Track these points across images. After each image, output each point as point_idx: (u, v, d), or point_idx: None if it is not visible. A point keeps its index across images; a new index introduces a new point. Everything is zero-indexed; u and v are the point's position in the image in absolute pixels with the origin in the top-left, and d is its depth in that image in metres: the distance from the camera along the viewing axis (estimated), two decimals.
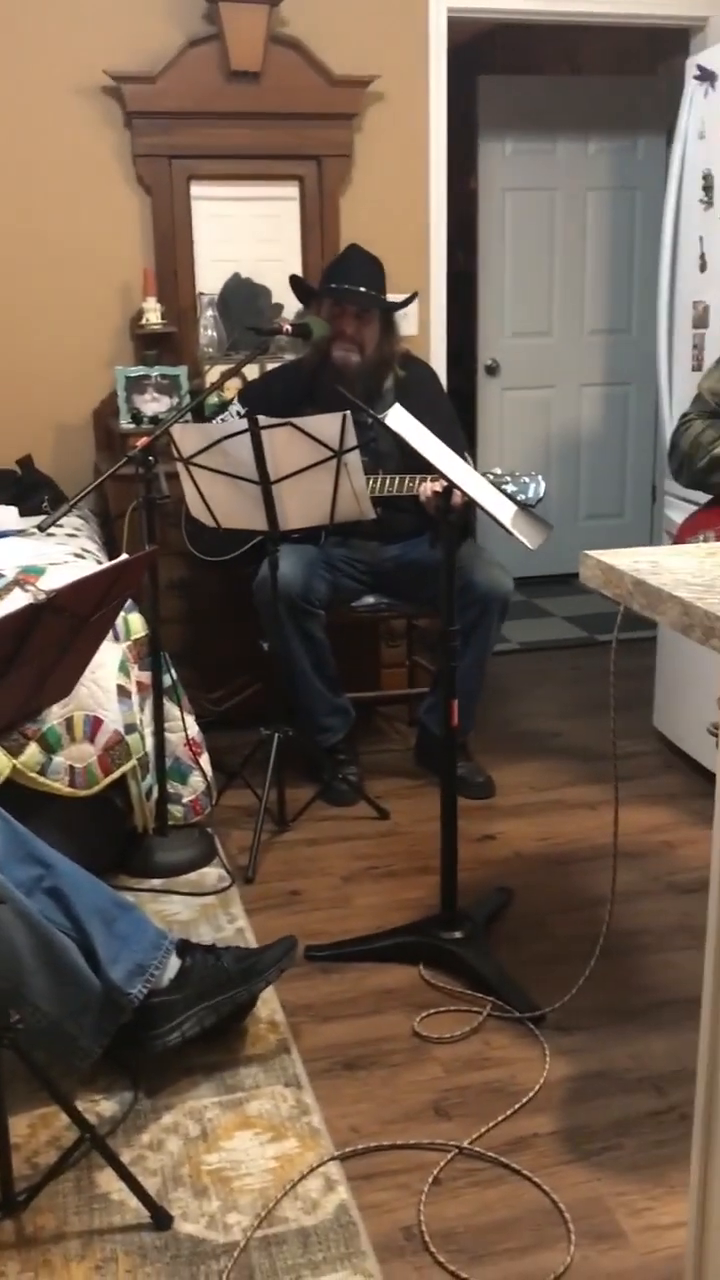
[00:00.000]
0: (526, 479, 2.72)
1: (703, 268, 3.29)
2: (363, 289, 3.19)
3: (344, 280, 3.21)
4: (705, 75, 3.22)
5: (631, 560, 1.44)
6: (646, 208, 5.18)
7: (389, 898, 2.77)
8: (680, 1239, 1.70)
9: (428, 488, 2.79)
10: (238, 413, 3.30)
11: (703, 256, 3.29)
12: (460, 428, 3.40)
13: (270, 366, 3.67)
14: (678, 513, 3.17)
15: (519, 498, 2.69)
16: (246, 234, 3.97)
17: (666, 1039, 2.22)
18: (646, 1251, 1.73)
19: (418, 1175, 1.89)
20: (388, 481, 3.07)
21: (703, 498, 2.65)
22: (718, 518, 2.45)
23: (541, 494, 2.71)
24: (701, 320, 3.32)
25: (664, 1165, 1.90)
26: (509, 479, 2.72)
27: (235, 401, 3.42)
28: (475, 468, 2.53)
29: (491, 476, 2.75)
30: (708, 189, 3.24)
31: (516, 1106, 2.04)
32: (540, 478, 2.74)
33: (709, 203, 3.24)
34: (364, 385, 3.21)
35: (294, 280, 3.40)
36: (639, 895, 2.76)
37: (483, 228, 5.24)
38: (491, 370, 5.34)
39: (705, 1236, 1.45)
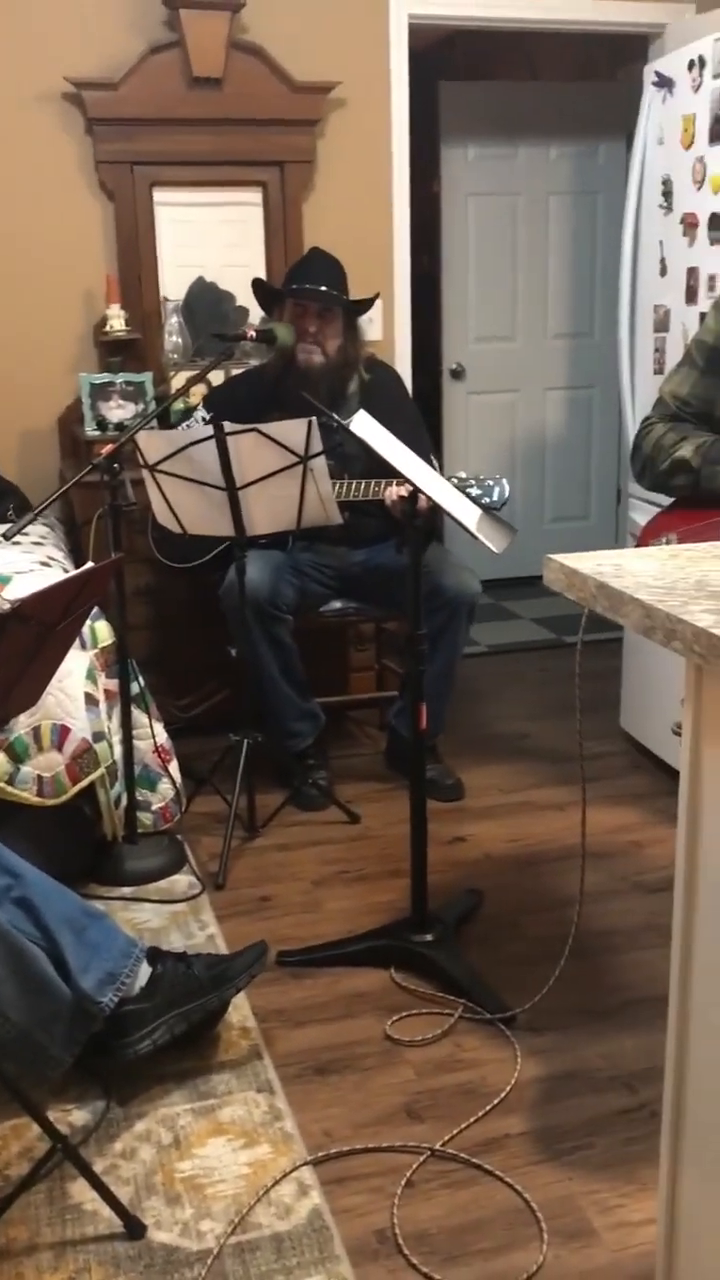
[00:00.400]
0: (490, 482, 2.73)
1: (663, 272, 3.32)
2: (324, 288, 3.21)
3: (305, 280, 3.23)
4: (663, 82, 3.25)
5: (594, 564, 1.46)
6: (608, 212, 5.22)
7: (360, 901, 2.78)
8: (651, 1235, 1.71)
9: (393, 491, 2.80)
10: (203, 418, 3.30)
11: (663, 261, 3.32)
12: (426, 431, 3.41)
13: (235, 372, 3.67)
14: (642, 515, 3.19)
15: (483, 501, 2.71)
16: (211, 239, 3.97)
17: (637, 1037, 2.24)
18: (618, 1249, 1.75)
19: (390, 1178, 1.90)
20: (354, 486, 3.08)
21: (665, 500, 2.68)
22: (680, 520, 2.47)
23: (506, 497, 2.72)
24: (662, 324, 3.35)
25: (635, 1163, 1.92)
26: (473, 482, 2.73)
27: (200, 407, 3.42)
28: (441, 472, 2.54)
29: (456, 480, 2.76)
30: (667, 194, 3.27)
31: (488, 1108, 2.05)
32: (504, 481, 2.75)
33: (668, 208, 3.27)
34: (328, 388, 3.22)
35: (256, 284, 3.41)
36: (608, 895, 2.78)
37: (446, 232, 5.26)
38: (456, 374, 5.37)
39: (675, 1232, 1.46)
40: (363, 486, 3.07)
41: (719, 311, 2.31)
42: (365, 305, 3.31)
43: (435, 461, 3.11)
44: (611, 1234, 1.77)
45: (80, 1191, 1.83)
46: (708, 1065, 1.37)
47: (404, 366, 4.20)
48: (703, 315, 3.08)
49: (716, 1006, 1.34)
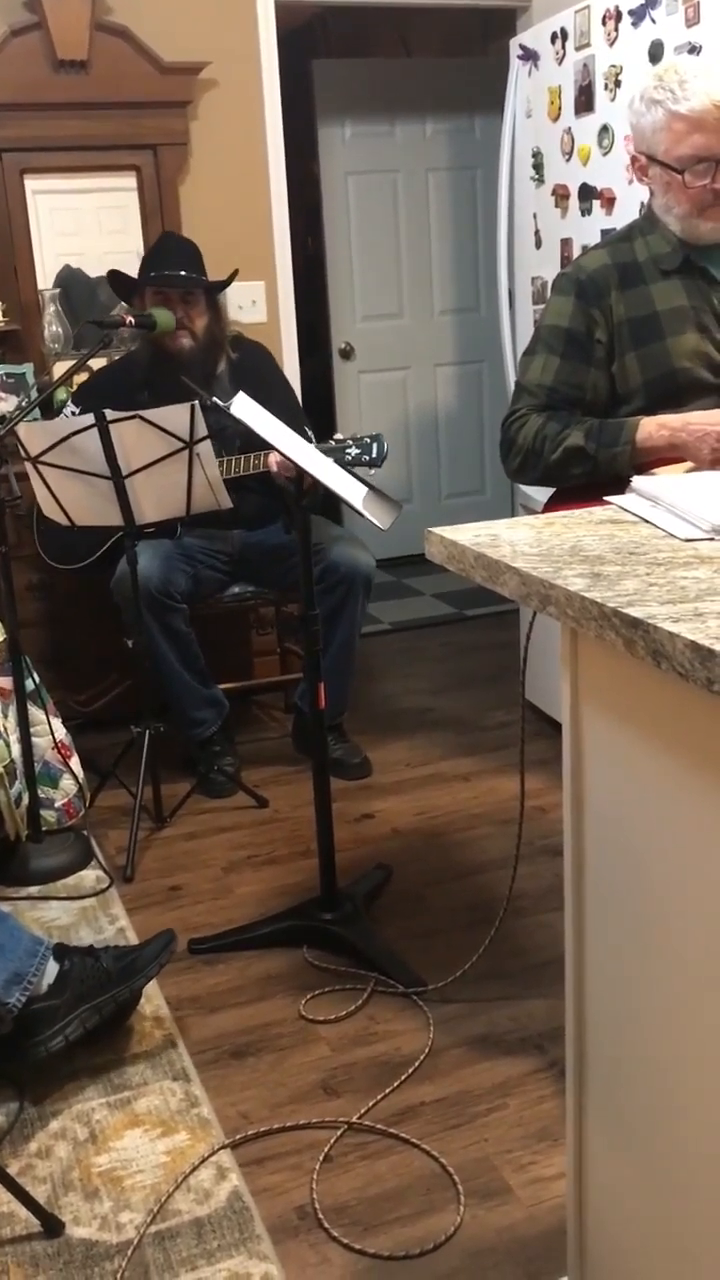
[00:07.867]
0: (368, 438, 2.76)
1: (538, 244, 3.36)
2: (183, 272, 3.17)
3: (163, 267, 3.19)
4: (528, 55, 3.28)
5: (472, 535, 1.47)
6: (486, 186, 5.25)
7: (270, 885, 2.78)
8: (564, 1188, 1.75)
9: (275, 459, 2.80)
10: (72, 413, 3.25)
11: (537, 233, 3.35)
12: (298, 402, 3.39)
13: (115, 358, 3.61)
14: (531, 488, 3.23)
15: (364, 458, 2.73)
16: (91, 226, 3.90)
17: (546, 999, 2.28)
18: (533, 1204, 1.78)
19: (309, 1155, 1.91)
20: (234, 463, 3.07)
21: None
22: (572, 508, 2.44)
23: (385, 452, 2.75)
24: (540, 296, 3.38)
25: (547, 1120, 1.96)
26: (351, 442, 2.75)
27: (69, 402, 3.36)
28: (317, 442, 2.56)
29: (334, 443, 2.77)
30: (538, 166, 3.31)
31: (403, 1078, 2.07)
32: (381, 436, 2.78)
33: (540, 180, 3.31)
34: (200, 370, 3.19)
35: (112, 275, 3.29)
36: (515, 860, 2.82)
37: (327, 212, 5.24)
38: (346, 354, 5.36)
39: (583, 1181, 1.50)
40: (243, 462, 3.06)
41: (564, 296, 2.20)
42: (225, 283, 3.28)
43: (309, 432, 3.10)
44: (526, 1190, 1.81)
45: None
46: (603, 1017, 1.40)
47: (290, 348, 4.18)
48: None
49: (608, 958, 1.38)
